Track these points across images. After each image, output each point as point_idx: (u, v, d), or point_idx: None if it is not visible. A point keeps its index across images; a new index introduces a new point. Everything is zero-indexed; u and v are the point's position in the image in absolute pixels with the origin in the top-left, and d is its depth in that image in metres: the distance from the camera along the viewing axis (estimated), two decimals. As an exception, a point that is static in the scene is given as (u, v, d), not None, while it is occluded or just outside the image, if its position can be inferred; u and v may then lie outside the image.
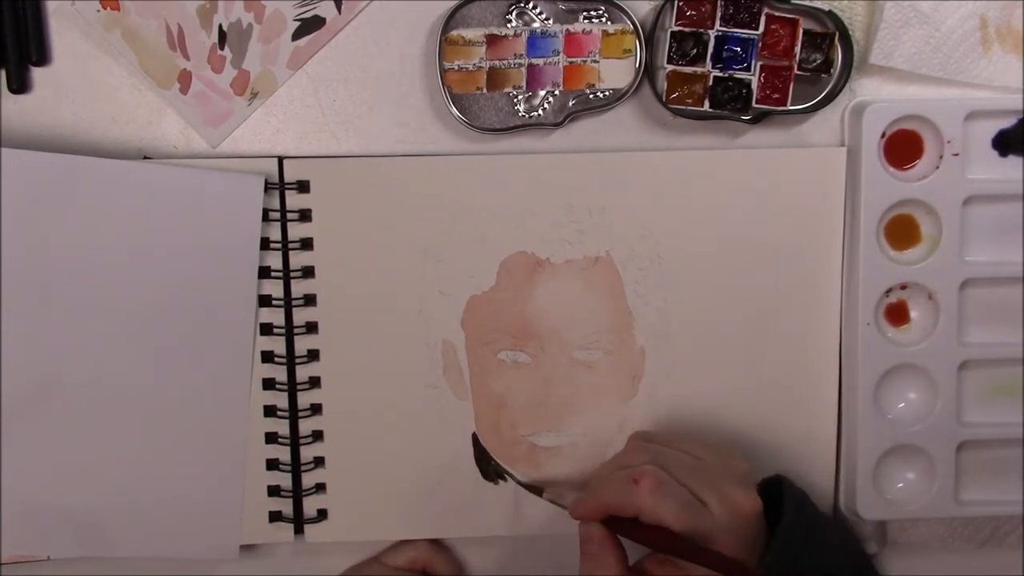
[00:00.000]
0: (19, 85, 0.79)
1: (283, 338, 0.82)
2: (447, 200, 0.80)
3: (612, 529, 0.73)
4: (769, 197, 0.81)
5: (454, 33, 0.79)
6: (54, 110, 0.80)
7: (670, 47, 0.78)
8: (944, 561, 0.88)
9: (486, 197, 0.80)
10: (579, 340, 0.82)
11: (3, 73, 0.79)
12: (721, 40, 0.79)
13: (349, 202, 0.80)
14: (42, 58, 0.79)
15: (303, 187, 0.80)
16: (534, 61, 0.79)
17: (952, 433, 0.83)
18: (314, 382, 0.82)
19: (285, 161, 0.80)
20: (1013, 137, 0.81)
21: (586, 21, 0.79)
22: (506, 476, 0.84)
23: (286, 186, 0.80)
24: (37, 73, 0.79)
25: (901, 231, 0.82)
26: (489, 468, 0.83)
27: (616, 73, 0.80)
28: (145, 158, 0.80)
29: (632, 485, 0.71)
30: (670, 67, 0.79)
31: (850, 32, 0.79)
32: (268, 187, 0.79)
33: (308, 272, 0.81)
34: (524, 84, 0.80)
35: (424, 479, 0.84)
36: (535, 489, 0.82)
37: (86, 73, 0.80)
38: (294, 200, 0.80)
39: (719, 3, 0.78)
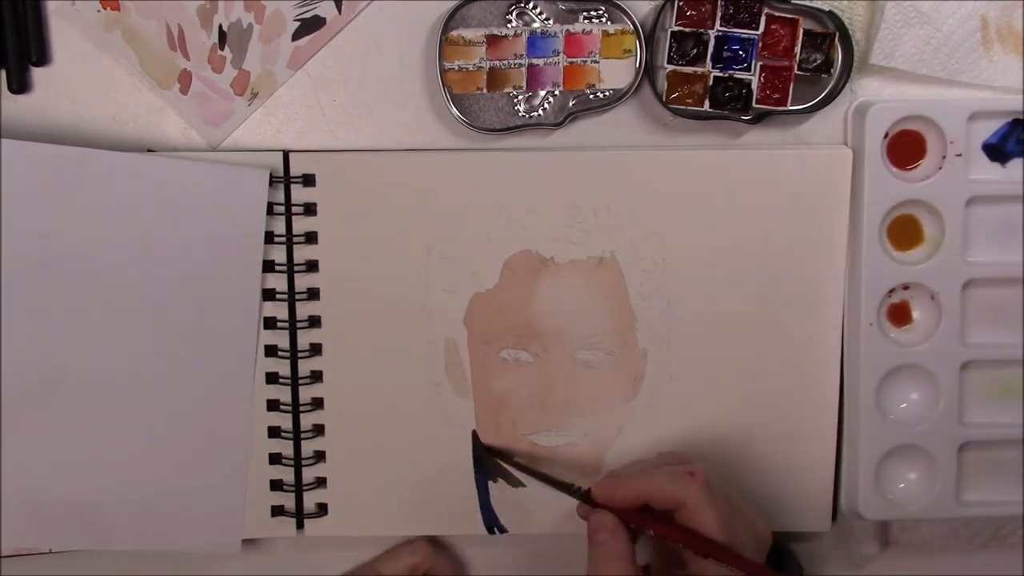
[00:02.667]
0: (19, 85, 0.79)
1: (286, 332, 0.82)
2: (453, 197, 0.80)
3: (627, 521, 0.74)
4: (774, 198, 0.81)
5: (454, 33, 0.79)
6: (54, 110, 0.80)
7: (670, 47, 0.78)
8: (945, 561, 0.88)
9: (492, 194, 0.80)
10: (581, 340, 0.82)
11: (3, 73, 0.79)
12: (721, 40, 0.78)
13: (354, 197, 0.80)
14: (42, 58, 0.79)
15: (308, 181, 0.80)
16: (534, 61, 0.79)
17: (954, 433, 0.83)
18: (316, 376, 0.82)
19: (291, 155, 0.80)
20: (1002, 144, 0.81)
21: (586, 21, 0.79)
22: (500, 477, 0.84)
23: (292, 180, 0.80)
24: (37, 73, 0.80)
25: (904, 231, 0.82)
26: (487, 467, 0.83)
27: (616, 73, 0.80)
28: (149, 151, 0.80)
29: (687, 477, 0.72)
30: (670, 67, 0.79)
31: (850, 32, 0.78)
32: (273, 181, 0.79)
33: (312, 266, 0.81)
34: (524, 84, 0.79)
35: (424, 476, 0.84)
36: (503, 454, 0.81)
37: (86, 73, 0.80)
38: (299, 194, 0.80)
39: (719, 3, 0.78)
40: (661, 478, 0.74)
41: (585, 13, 0.79)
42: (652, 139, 0.82)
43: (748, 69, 0.79)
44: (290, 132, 0.81)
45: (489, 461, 0.83)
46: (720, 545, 0.71)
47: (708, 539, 0.71)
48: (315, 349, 0.82)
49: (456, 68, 0.79)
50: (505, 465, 0.83)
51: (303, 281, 0.81)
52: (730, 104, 0.79)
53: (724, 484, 0.75)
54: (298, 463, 0.83)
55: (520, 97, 0.80)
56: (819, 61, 0.78)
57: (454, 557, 0.87)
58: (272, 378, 0.82)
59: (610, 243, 0.81)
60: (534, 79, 0.80)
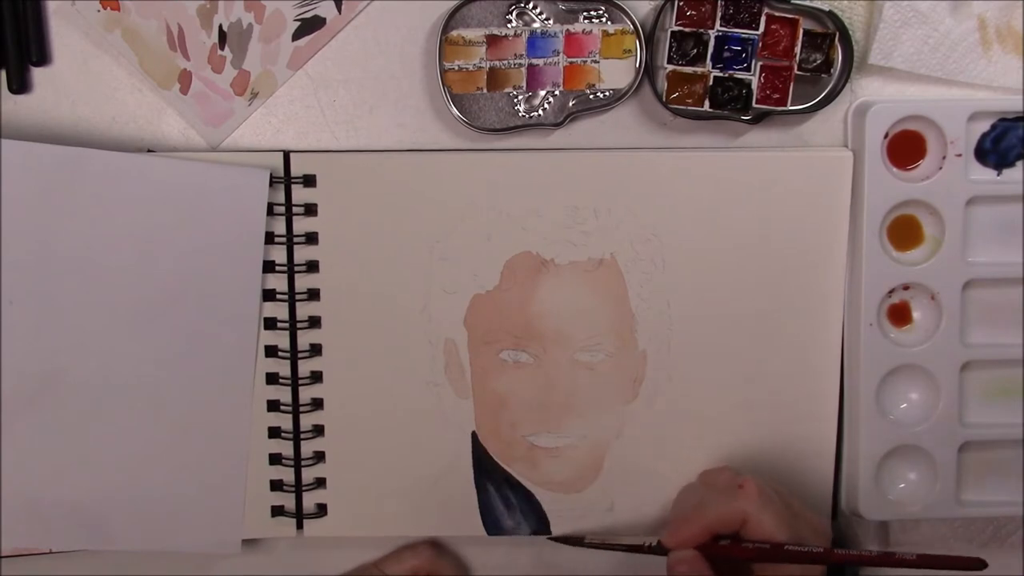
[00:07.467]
0: (19, 85, 0.79)
1: (287, 333, 0.82)
2: (454, 197, 0.80)
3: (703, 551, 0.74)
4: (775, 199, 0.80)
5: (454, 33, 0.79)
6: (54, 110, 0.80)
7: (670, 47, 0.78)
8: (945, 562, 0.88)
9: (493, 195, 0.80)
10: (581, 342, 0.82)
11: (3, 73, 0.79)
12: (721, 40, 0.78)
13: (355, 197, 0.80)
14: (42, 58, 0.79)
15: (309, 181, 0.80)
16: (534, 61, 0.79)
17: (954, 434, 0.83)
18: (316, 377, 0.82)
19: (291, 155, 0.80)
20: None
21: (586, 21, 0.79)
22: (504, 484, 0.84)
23: (292, 180, 0.80)
24: (37, 73, 0.80)
25: (904, 232, 0.82)
26: (487, 469, 0.83)
27: (616, 73, 0.80)
28: (149, 151, 0.80)
29: (739, 491, 0.74)
30: (670, 67, 0.79)
31: (850, 32, 0.78)
32: (274, 181, 0.79)
33: (312, 267, 0.81)
34: (524, 84, 0.79)
35: (423, 477, 0.84)
36: (573, 540, 0.84)
37: (86, 73, 0.80)
38: (300, 194, 0.80)
39: (719, 3, 0.78)
40: (717, 505, 0.74)
41: (585, 13, 0.79)
42: (652, 139, 0.82)
43: (748, 69, 0.79)
44: (290, 132, 0.81)
45: (489, 464, 0.83)
46: (788, 546, 0.72)
47: (777, 544, 0.72)
48: (315, 350, 0.82)
49: (456, 68, 0.79)
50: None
51: (303, 282, 0.81)
52: (730, 104, 0.79)
53: (775, 485, 0.76)
54: (298, 463, 0.83)
55: (520, 97, 0.80)
56: (819, 61, 0.78)
57: (456, 560, 0.87)
58: (272, 379, 0.82)
59: (610, 244, 0.81)
60: (534, 79, 0.80)
